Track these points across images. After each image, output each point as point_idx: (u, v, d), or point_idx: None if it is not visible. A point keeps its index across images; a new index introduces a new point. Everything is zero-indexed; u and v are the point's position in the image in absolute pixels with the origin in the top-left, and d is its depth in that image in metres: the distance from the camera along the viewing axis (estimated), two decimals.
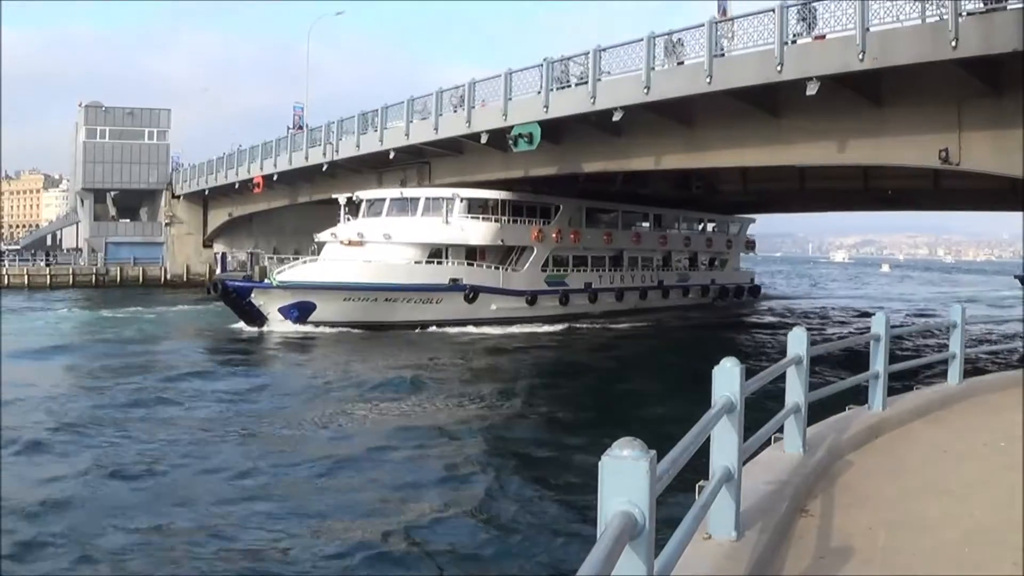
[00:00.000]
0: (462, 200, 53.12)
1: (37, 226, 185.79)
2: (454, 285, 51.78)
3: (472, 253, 54.20)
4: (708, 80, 30.62)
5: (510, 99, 40.04)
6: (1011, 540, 7.20)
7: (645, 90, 33.05)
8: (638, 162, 39.88)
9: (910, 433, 11.71)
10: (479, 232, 53.65)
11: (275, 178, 66.71)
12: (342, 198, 55.80)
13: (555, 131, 40.60)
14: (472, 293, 51.90)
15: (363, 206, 55.63)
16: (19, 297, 74.19)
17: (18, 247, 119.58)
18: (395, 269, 50.37)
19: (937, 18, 24.60)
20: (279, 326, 48.27)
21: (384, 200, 54.52)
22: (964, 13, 23.67)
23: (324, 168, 57.22)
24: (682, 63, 32.67)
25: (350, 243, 52.16)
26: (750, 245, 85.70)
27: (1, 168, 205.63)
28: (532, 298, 55.69)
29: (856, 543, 6.98)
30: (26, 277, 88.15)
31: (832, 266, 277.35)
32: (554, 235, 57.35)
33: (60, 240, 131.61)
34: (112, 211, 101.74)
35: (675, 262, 71.83)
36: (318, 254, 54.17)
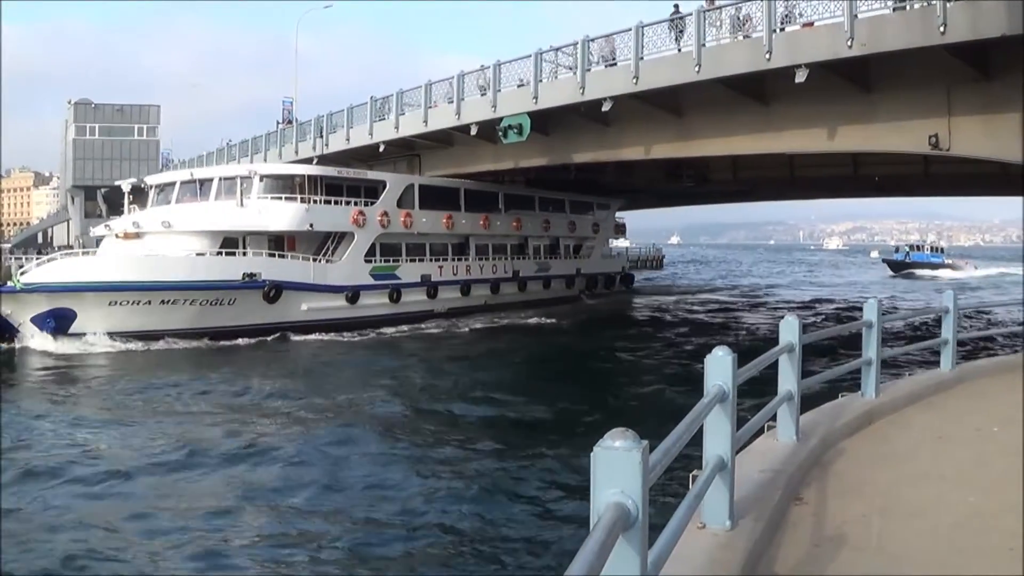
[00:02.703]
0: (262, 178, 46.22)
1: (28, 224, 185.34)
2: (249, 281, 42.12)
3: (279, 242, 45.63)
4: (697, 69, 30.58)
5: (499, 90, 39.97)
6: (1006, 525, 7.21)
7: (634, 80, 33.00)
8: (628, 152, 39.84)
9: (903, 419, 11.72)
10: (281, 216, 45.11)
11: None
12: (126, 185, 49.45)
13: (545, 122, 40.57)
14: (273, 290, 42.62)
15: (151, 192, 50.29)
16: None
17: (9, 245, 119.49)
18: (173, 264, 41.14)
19: (925, 3, 24.62)
20: (37, 341, 37.99)
21: (174, 184, 48.65)
22: None
23: (314, 162, 57.00)
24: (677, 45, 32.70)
25: (126, 236, 44.34)
26: (619, 229, 79.25)
27: (1, 165, 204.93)
28: (353, 295, 46.73)
29: (850, 530, 6.98)
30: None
31: (823, 253, 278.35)
32: (379, 218, 48.97)
33: (51, 238, 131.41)
34: (102, 208, 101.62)
35: (533, 249, 62.65)
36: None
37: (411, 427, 23.65)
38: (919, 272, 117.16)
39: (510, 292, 58.17)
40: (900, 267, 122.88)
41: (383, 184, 50.36)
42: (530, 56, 38.43)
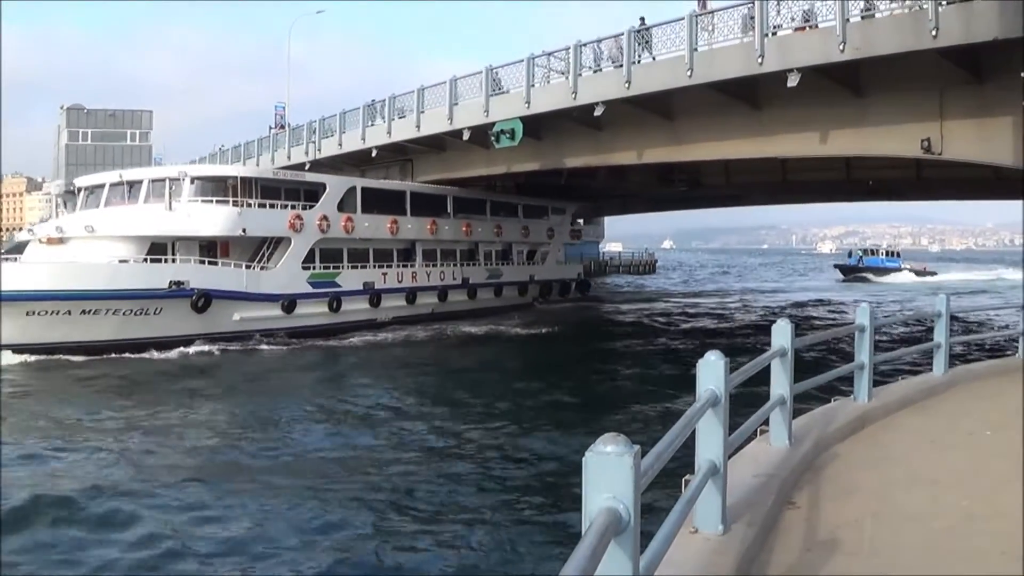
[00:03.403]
0: (192, 180, 43.19)
1: (20, 229, 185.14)
2: (176, 290, 39.42)
3: (211, 248, 42.70)
4: (689, 73, 30.61)
5: (492, 95, 39.98)
6: (998, 529, 7.21)
7: (626, 84, 33.02)
8: (620, 156, 39.85)
9: (896, 423, 11.74)
10: (211, 220, 42.25)
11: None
12: (54, 187, 47.21)
13: (537, 127, 40.59)
14: (202, 299, 39.84)
15: (81, 195, 47.08)
16: None
17: (2, 250, 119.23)
18: (94, 271, 38.21)
19: (917, 7, 24.67)
20: None
21: (103, 186, 45.31)
22: (944, 2, 23.72)
23: (307, 167, 56.93)
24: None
25: (49, 241, 40.92)
26: (575, 234, 73.20)
27: (1, 168, 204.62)
28: (289, 304, 43.84)
29: (843, 535, 6.98)
30: None
31: (816, 258, 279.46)
32: (318, 222, 46.13)
33: None
34: None
35: (484, 255, 60.23)
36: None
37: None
38: (873, 277, 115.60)
39: (459, 300, 55.74)
40: (851, 272, 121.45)
41: (323, 187, 47.92)
42: (523, 61, 38.44)
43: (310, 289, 45.49)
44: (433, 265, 54.87)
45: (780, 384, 9.05)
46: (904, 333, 41.14)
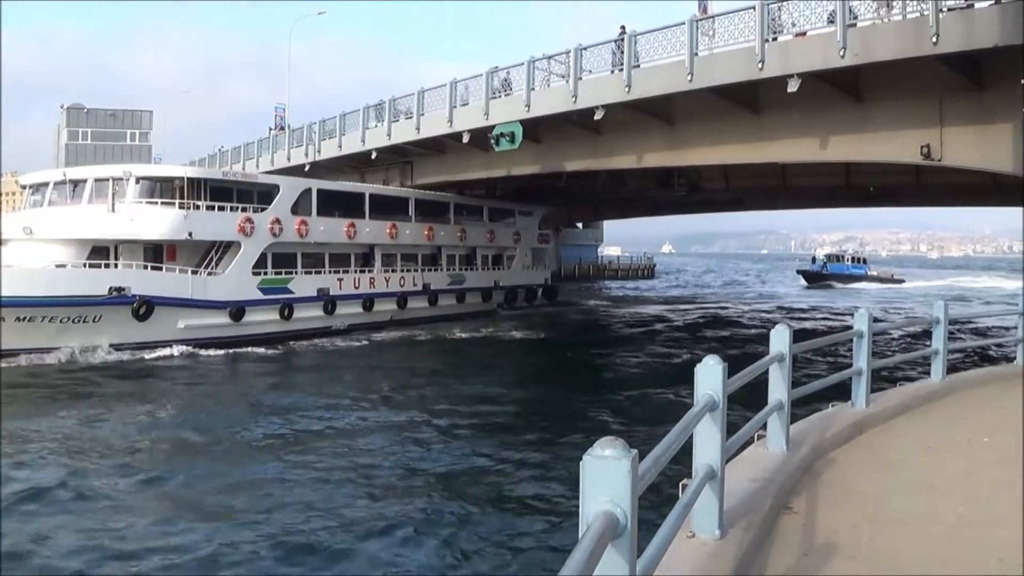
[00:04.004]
0: (138, 180, 40.91)
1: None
2: (116, 297, 37.24)
3: (157, 252, 40.80)
4: (689, 78, 30.63)
5: (492, 98, 39.99)
6: (995, 535, 7.21)
7: (626, 88, 33.04)
8: (620, 160, 39.92)
9: (893, 429, 11.73)
10: (155, 223, 39.99)
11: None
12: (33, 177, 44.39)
13: (537, 130, 40.63)
14: (143, 307, 37.83)
15: (25, 194, 44.99)
16: None
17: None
18: (30, 277, 36.12)
19: (918, 14, 24.69)
20: None
21: (48, 184, 43.24)
22: (945, 9, 23.74)
23: (306, 169, 56.96)
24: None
25: None
26: (544, 239, 70.41)
27: (1, 166, 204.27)
28: (238, 311, 41.80)
29: (840, 540, 6.98)
30: None
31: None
32: (270, 226, 44.01)
33: None
34: None
35: (446, 260, 58.09)
36: None
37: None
38: (838, 284, 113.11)
39: (419, 307, 53.53)
40: (815, 279, 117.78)
41: (277, 188, 45.71)
42: (523, 64, 38.46)
43: (260, 296, 43.60)
44: (393, 270, 53.06)
45: (778, 389, 9.04)
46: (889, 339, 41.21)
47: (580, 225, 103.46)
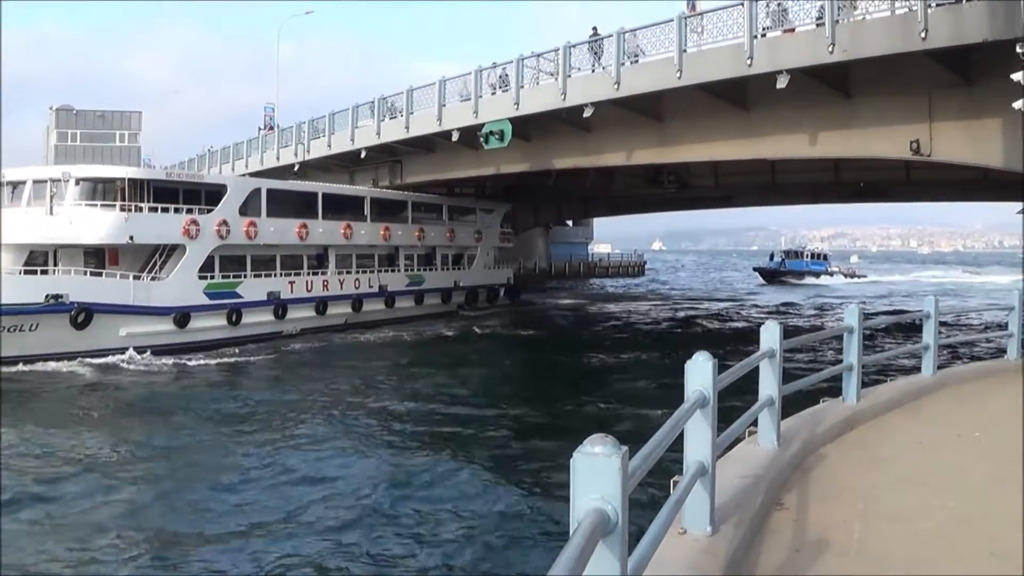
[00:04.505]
0: (77, 181, 38.98)
1: None
2: (53, 304, 35.68)
3: (99, 257, 39.12)
4: (678, 75, 30.62)
5: (481, 96, 39.98)
6: (986, 530, 7.22)
7: (615, 86, 33.03)
8: (609, 157, 39.88)
9: (884, 425, 11.74)
10: (95, 226, 38.03)
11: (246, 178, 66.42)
12: None
13: (526, 128, 40.62)
14: (82, 314, 36.14)
15: None
16: None
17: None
18: None
19: (906, 9, 24.71)
20: None
21: None
22: (933, 4, 23.76)
23: (295, 168, 56.89)
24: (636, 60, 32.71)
25: None
26: (506, 237, 68.19)
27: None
28: (183, 317, 40.04)
29: (831, 536, 6.97)
30: None
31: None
32: (216, 228, 42.21)
33: None
34: None
35: (404, 260, 56.19)
36: None
37: None
38: (795, 281, 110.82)
39: (375, 309, 51.97)
40: (772, 276, 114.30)
41: (225, 188, 44.02)
42: (512, 62, 38.45)
43: (207, 301, 41.81)
44: (347, 272, 51.15)
45: (768, 385, 9.05)
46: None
47: (570, 223, 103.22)
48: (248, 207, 44.50)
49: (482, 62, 40.66)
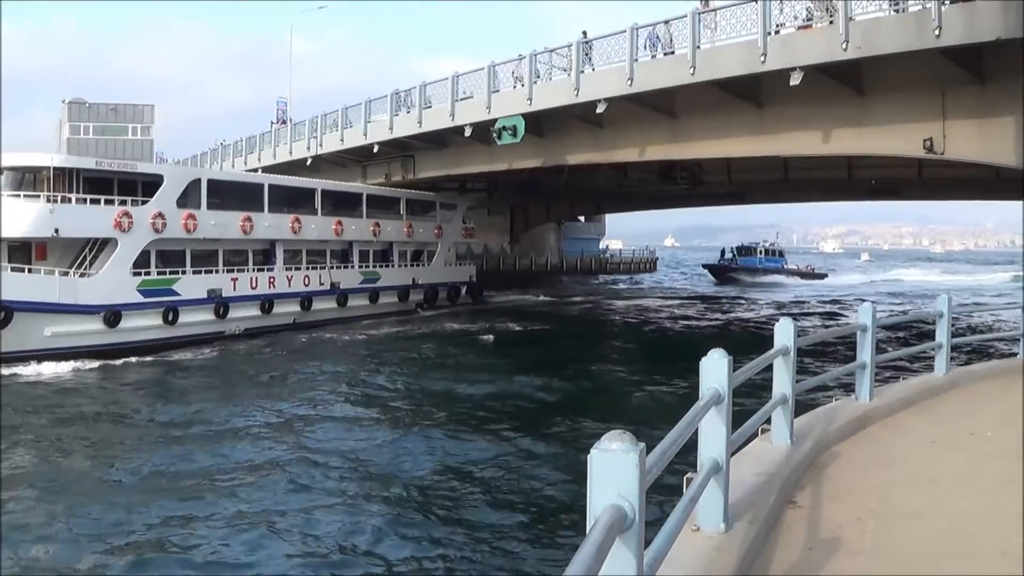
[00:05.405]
0: (2, 171, 36.81)
1: None
2: None
3: (25, 252, 36.36)
4: (692, 71, 30.58)
5: (494, 92, 39.98)
6: (999, 529, 7.22)
7: (628, 82, 33.00)
8: (622, 154, 39.84)
9: (897, 423, 11.74)
10: (16, 218, 35.30)
11: (259, 172, 66.33)
12: None
13: (539, 123, 40.56)
14: (1, 313, 33.59)
15: None
16: None
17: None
18: None
19: (920, 7, 24.66)
20: None
21: None
22: (947, 1, 23.71)
23: (308, 162, 56.95)
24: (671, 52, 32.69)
25: None
26: (469, 233, 65.78)
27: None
28: (113, 316, 37.10)
29: (844, 534, 6.99)
30: None
31: (818, 256, 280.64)
32: (151, 221, 39.27)
33: None
34: None
35: (359, 257, 53.46)
36: None
37: None
38: (748, 279, 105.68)
39: (327, 308, 49.32)
40: (723, 273, 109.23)
41: (161, 179, 41.08)
42: (525, 58, 38.44)
43: (140, 298, 38.84)
44: (296, 268, 48.39)
45: (782, 383, 9.06)
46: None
47: (582, 219, 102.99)
48: (187, 199, 41.78)
49: (497, 58, 40.43)
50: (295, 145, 59.33)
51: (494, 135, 39.66)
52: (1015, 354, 21.01)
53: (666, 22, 32.70)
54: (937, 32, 23.52)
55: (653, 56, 33.26)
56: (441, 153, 50.00)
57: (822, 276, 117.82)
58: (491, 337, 44.72)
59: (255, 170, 62.75)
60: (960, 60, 25.31)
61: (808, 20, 27.28)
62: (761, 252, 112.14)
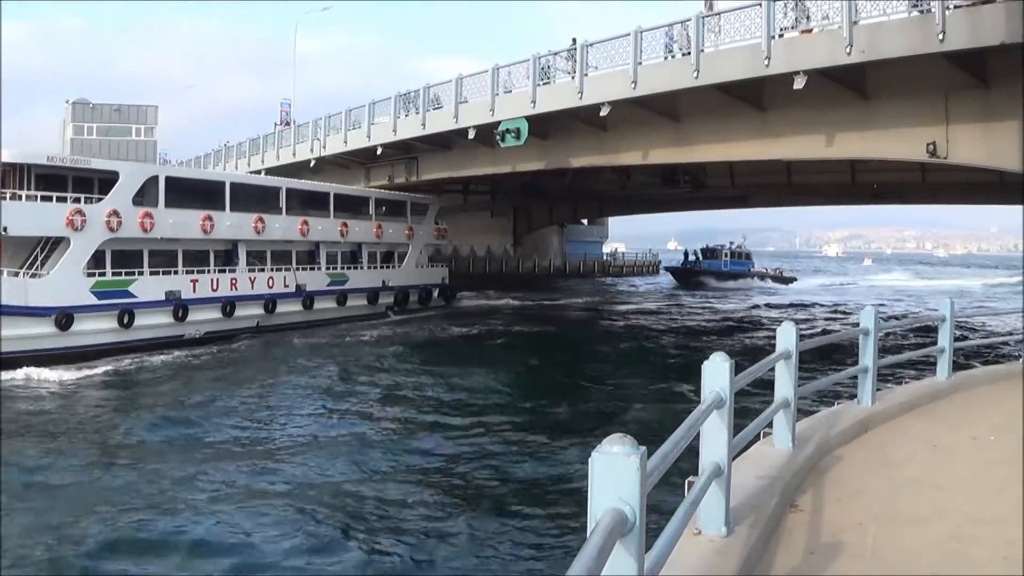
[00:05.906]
0: None
1: None
2: None
3: None
4: (695, 74, 30.60)
5: (497, 94, 39.99)
6: (1001, 534, 7.21)
7: (632, 85, 33.01)
8: (626, 157, 39.85)
9: (899, 427, 11.73)
10: None
11: (262, 174, 66.23)
12: None
13: (542, 126, 40.58)
14: None
15: None
16: None
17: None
18: None
19: (924, 11, 24.65)
20: None
21: None
22: (951, 6, 23.71)
23: (311, 164, 56.99)
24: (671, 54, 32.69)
25: None
26: (442, 234, 64.14)
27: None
28: (65, 319, 35.45)
29: (846, 538, 6.98)
30: None
31: (821, 261, 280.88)
32: (106, 219, 37.54)
33: None
34: None
35: (326, 258, 51.83)
36: None
37: None
38: (714, 282, 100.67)
39: (292, 311, 47.69)
40: (687, 276, 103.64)
41: (117, 175, 39.10)
42: (528, 60, 38.44)
43: (94, 300, 37.22)
44: (260, 270, 46.64)
45: (784, 387, 9.05)
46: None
47: (585, 222, 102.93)
48: (144, 196, 39.84)
49: (500, 61, 40.48)
50: (299, 147, 59.37)
51: (497, 137, 39.70)
52: (1018, 357, 21.03)
53: (669, 26, 32.75)
54: (941, 36, 23.54)
55: (668, 57, 33.24)
56: (445, 155, 50.04)
57: (791, 280, 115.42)
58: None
59: (259, 171, 62.71)
60: (964, 64, 25.32)
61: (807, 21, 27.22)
62: (727, 255, 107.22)
